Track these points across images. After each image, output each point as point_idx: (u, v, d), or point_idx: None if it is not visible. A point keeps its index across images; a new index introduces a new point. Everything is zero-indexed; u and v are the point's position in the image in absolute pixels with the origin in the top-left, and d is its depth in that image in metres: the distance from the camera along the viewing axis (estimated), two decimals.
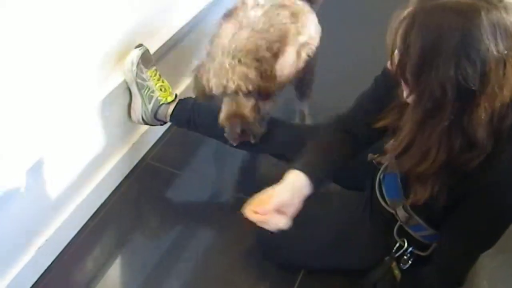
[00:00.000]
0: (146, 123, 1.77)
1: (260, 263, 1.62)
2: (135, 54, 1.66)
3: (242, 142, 1.57)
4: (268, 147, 1.65)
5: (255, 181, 1.91)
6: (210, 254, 1.66)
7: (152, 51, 1.73)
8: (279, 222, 1.17)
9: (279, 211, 1.18)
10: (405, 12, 0.99)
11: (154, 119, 1.73)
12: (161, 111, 1.71)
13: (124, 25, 1.66)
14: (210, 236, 1.74)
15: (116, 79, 1.68)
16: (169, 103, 1.71)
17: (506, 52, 0.92)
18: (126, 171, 1.88)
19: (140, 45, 1.68)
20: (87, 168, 1.67)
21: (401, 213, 1.29)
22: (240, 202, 1.23)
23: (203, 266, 1.63)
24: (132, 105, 1.75)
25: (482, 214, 1.11)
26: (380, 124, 1.22)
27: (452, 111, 0.97)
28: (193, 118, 1.69)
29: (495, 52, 0.91)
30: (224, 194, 1.90)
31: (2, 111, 1.30)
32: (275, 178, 1.23)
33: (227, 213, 1.75)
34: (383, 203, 1.35)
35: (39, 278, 1.56)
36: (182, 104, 1.72)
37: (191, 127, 1.72)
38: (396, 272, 1.37)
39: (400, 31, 0.99)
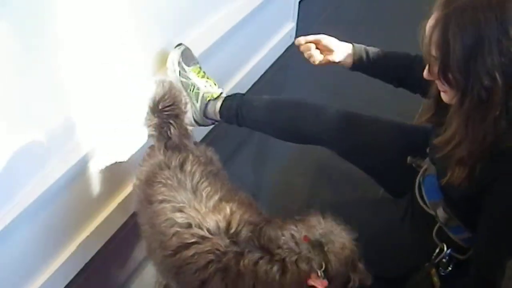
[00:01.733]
0: (199, 124, 1.76)
1: None
2: (175, 53, 1.67)
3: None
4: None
5: (289, 185, 1.90)
6: None
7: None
8: (317, 56, 1.52)
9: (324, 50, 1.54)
10: (433, 19, 1.03)
11: (204, 117, 1.72)
12: (209, 108, 1.70)
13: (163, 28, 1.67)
14: None
15: None
16: (216, 99, 1.70)
17: None
18: None
19: (179, 44, 1.69)
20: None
21: (441, 214, 1.31)
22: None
23: None
24: None
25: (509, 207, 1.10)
26: (422, 121, 1.27)
27: (503, 96, 1.00)
28: (241, 113, 1.66)
29: None
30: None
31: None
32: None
33: None
34: (423, 205, 1.36)
35: None
36: (229, 99, 1.69)
37: (240, 123, 1.69)
38: (435, 279, 1.36)
39: (435, 38, 1.03)
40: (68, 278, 1.60)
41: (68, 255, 1.56)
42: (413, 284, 1.41)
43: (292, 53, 2.48)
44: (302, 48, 1.57)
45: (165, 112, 1.36)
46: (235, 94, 1.72)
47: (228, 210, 1.22)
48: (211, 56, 1.85)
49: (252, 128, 1.73)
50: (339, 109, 1.55)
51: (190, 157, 1.34)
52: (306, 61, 1.56)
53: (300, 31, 2.54)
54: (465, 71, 1.01)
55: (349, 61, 1.54)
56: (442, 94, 1.13)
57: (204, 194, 1.26)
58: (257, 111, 1.66)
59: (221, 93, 1.72)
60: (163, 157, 1.35)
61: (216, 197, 1.26)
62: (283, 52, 2.48)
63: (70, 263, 1.58)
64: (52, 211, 1.45)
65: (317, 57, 1.54)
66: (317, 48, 1.55)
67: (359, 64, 1.53)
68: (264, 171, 1.99)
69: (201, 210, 1.22)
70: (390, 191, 1.64)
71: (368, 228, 1.47)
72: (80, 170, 1.48)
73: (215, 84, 1.73)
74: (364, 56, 1.52)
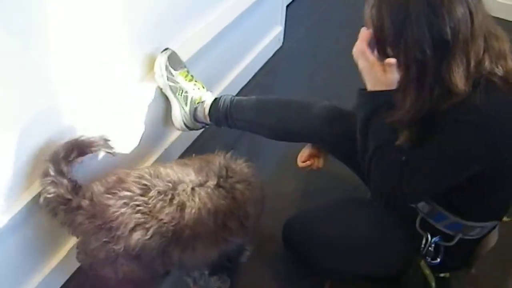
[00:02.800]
0: (189, 129, 1.77)
1: (287, 271, 1.64)
2: (162, 58, 1.67)
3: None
4: None
5: (280, 188, 1.91)
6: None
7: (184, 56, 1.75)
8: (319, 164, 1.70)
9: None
10: (370, 2, 1.16)
11: (195, 121, 1.73)
12: (199, 111, 1.71)
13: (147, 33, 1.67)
14: None
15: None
16: (204, 102, 1.70)
17: (471, 2, 1.07)
18: None
19: (165, 49, 1.69)
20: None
21: (422, 206, 1.34)
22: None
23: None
24: (172, 112, 1.75)
25: (440, 148, 1.16)
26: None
27: (436, 68, 1.10)
28: (230, 114, 1.67)
29: (459, 4, 1.07)
30: None
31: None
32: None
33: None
34: None
35: None
36: (218, 101, 1.70)
37: (230, 124, 1.69)
38: (427, 271, 1.40)
39: (372, 18, 1.15)
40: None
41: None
42: (406, 279, 1.44)
43: (281, 56, 2.51)
44: (304, 166, 1.70)
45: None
46: (223, 96, 1.72)
47: None
48: (200, 60, 1.86)
49: (242, 129, 1.74)
50: (326, 104, 1.58)
51: None
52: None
53: (288, 34, 2.56)
54: (397, 45, 1.12)
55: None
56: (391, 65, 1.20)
57: None
58: (246, 111, 1.67)
59: (210, 96, 1.72)
60: None
61: None
62: (272, 56, 2.49)
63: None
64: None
65: (319, 164, 1.70)
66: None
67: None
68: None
69: None
70: None
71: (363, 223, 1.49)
72: None
73: (203, 87, 1.73)
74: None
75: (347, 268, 1.52)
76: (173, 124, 1.77)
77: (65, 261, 1.56)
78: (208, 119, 1.71)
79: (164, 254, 1.31)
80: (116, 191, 1.29)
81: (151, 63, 1.69)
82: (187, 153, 1.99)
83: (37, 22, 1.22)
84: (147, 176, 1.32)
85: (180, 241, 1.31)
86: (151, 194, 1.29)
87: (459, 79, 1.10)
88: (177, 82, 1.68)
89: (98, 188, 1.31)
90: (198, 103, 1.70)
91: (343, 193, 1.86)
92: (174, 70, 1.68)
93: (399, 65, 1.15)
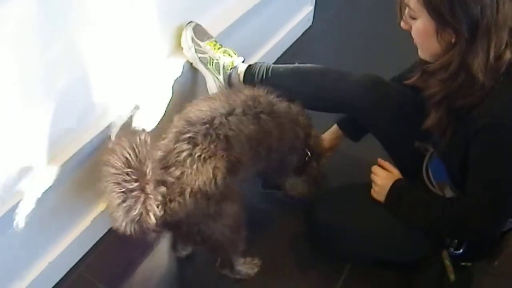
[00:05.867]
0: None
1: (308, 252, 1.64)
2: (187, 31, 1.66)
3: None
4: None
5: None
6: (259, 240, 1.64)
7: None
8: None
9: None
10: None
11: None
12: (233, 78, 1.68)
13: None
14: (260, 221, 1.72)
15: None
16: (237, 67, 1.68)
17: None
18: None
19: (189, 22, 1.68)
20: None
21: (448, 193, 1.35)
22: None
23: (251, 252, 1.61)
24: (207, 85, 1.73)
25: (488, 157, 1.17)
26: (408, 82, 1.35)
27: (485, 37, 1.10)
28: (267, 80, 1.64)
29: None
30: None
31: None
32: None
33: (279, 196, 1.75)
34: (430, 186, 1.41)
35: None
36: (252, 68, 1.67)
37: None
38: (447, 262, 1.39)
39: None
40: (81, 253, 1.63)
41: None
42: (425, 268, 1.45)
43: (309, 37, 2.48)
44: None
45: None
46: (258, 63, 1.70)
47: None
48: (228, 37, 1.84)
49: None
50: (365, 72, 1.57)
51: None
52: None
53: (318, 14, 2.53)
54: (451, 11, 1.10)
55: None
56: (419, 50, 1.24)
57: None
58: (283, 78, 1.65)
59: (243, 61, 1.70)
60: None
61: None
62: (300, 36, 2.46)
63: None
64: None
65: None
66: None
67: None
68: None
69: None
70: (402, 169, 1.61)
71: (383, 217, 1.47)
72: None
73: (234, 53, 1.71)
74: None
75: (369, 253, 1.52)
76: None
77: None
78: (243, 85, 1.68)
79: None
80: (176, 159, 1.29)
81: (179, 39, 1.69)
82: None
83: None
84: (185, 129, 1.33)
85: (236, 168, 1.35)
86: (200, 141, 1.30)
87: (477, 66, 1.10)
88: (206, 52, 1.67)
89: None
90: (231, 68, 1.68)
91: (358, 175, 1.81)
92: (201, 41, 1.66)
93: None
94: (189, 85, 1.79)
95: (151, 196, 1.18)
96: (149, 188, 1.18)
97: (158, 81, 1.65)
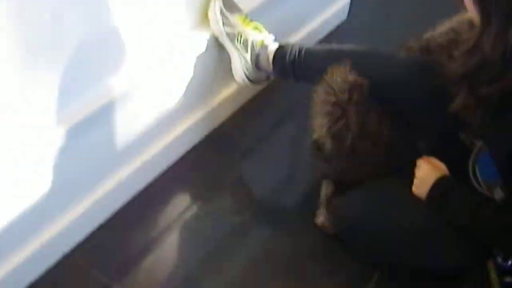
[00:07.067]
0: (251, 81, 1.62)
1: (337, 255, 1.51)
2: (216, 2, 1.53)
3: None
4: None
5: None
6: (283, 241, 1.54)
7: None
8: None
9: None
10: None
11: (256, 69, 1.58)
12: (262, 57, 1.55)
13: None
14: (287, 221, 1.61)
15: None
16: (268, 47, 1.55)
17: None
18: (200, 136, 1.76)
19: None
20: (158, 125, 1.56)
21: (498, 194, 1.22)
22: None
23: (271, 251, 1.51)
24: (232, 65, 1.61)
25: None
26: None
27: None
28: (299, 60, 1.52)
29: None
30: (299, 177, 1.75)
31: None
32: None
33: (306, 195, 1.65)
34: (477, 186, 1.29)
35: None
36: (284, 48, 1.55)
37: (296, 73, 1.54)
38: (493, 275, 1.27)
39: None
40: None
41: None
42: (466, 280, 1.35)
43: (342, 31, 2.34)
44: None
45: None
46: (290, 44, 1.56)
47: None
48: (257, 18, 1.67)
49: (311, 82, 1.53)
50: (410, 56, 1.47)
51: None
52: None
53: (355, 7, 2.39)
54: None
55: None
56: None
57: None
58: (318, 60, 1.52)
59: (274, 39, 1.57)
60: None
61: None
62: (334, 29, 2.33)
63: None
64: None
65: None
66: None
67: None
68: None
69: None
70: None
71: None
72: None
73: (266, 30, 1.57)
74: None
75: (401, 255, 1.38)
76: (233, 78, 1.64)
77: None
78: (271, 67, 1.56)
79: None
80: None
81: (205, 10, 1.56)
82: (237, 115, 1.85)
83: None
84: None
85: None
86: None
87: (491, 47, 1.03)
88: (234, 26, 1.53)
89: None
90: (260, 47, 1.54)
91: None
92: (230, 13, 1.52)
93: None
94: (213, 64, 1.65)
95: None
96: None
97: (178, 55, 1.51)
